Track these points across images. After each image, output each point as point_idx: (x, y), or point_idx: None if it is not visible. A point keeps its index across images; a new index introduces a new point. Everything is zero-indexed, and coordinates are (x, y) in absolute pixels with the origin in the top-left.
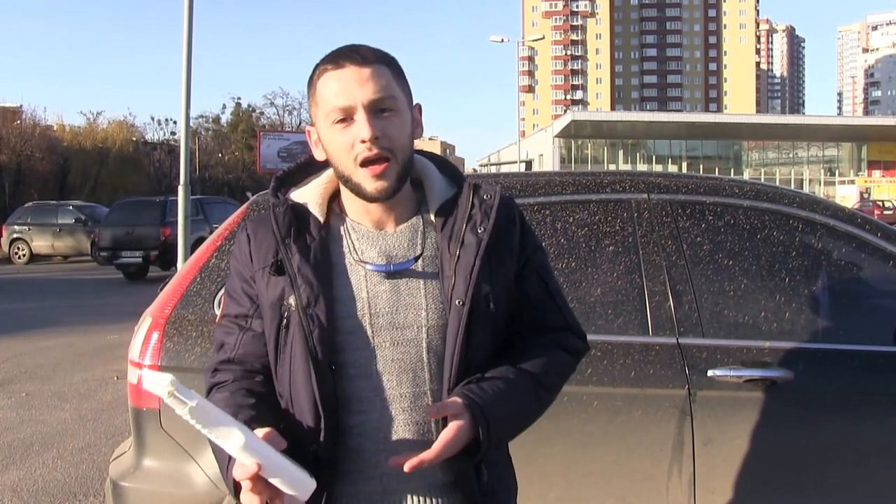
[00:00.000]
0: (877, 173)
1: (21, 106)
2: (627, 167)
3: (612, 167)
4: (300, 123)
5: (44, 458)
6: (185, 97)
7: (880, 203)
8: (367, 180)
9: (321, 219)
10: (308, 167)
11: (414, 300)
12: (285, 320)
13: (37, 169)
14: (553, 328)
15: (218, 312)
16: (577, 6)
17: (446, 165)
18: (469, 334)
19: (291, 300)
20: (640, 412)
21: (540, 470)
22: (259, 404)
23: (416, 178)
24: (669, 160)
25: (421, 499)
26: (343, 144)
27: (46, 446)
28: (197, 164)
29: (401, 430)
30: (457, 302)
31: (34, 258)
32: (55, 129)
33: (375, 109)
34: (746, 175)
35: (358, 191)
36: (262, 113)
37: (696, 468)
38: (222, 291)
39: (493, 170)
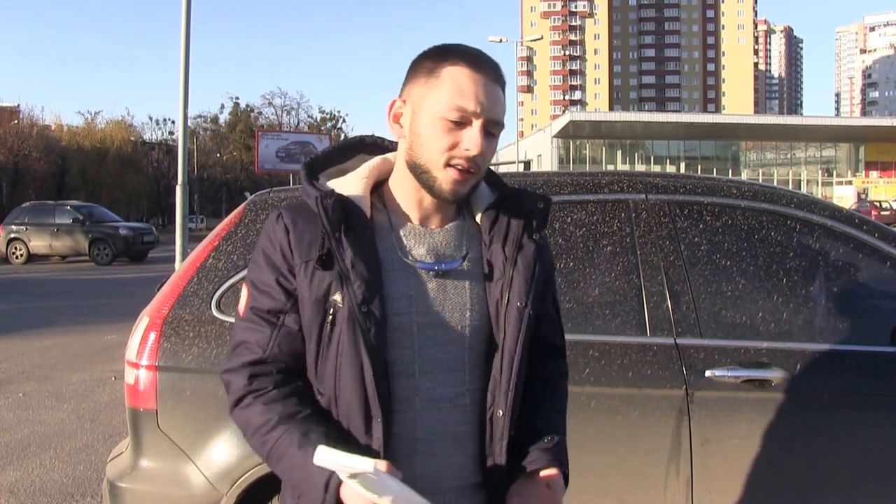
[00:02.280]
0: (874, 174)
1: (18, 105)
2: (626, 167)
3: (611, 167)
4: (298, 123)
5: (41, 459)
6: (183, 97)
7: (877, 203)
8: (449, 181)
9: (367, 213)
10: (333, 156)
11: (460, 300)
12: (330, 317)
13: (34, 169)
14: (558, 351)
15: (216, 313)
16: (576, 7)
17: (488, 172)
18: (527, 337)
19: (338, 296)
20: (638, 412)
21: None
22: (313, 414)
23: None
24: (667, 160)
25: (454, 500)
26: (444, 142)
27: (44, 447)
28: (195, 164)
29: (436, 431)
30: (518, 304)
31: (32, 258)
32: (53, 128)
33: (487, 129)
34: (744, 175)
35: (431, 185)
36: (260, 113)
37: (693, 468)
38: (222, 289)
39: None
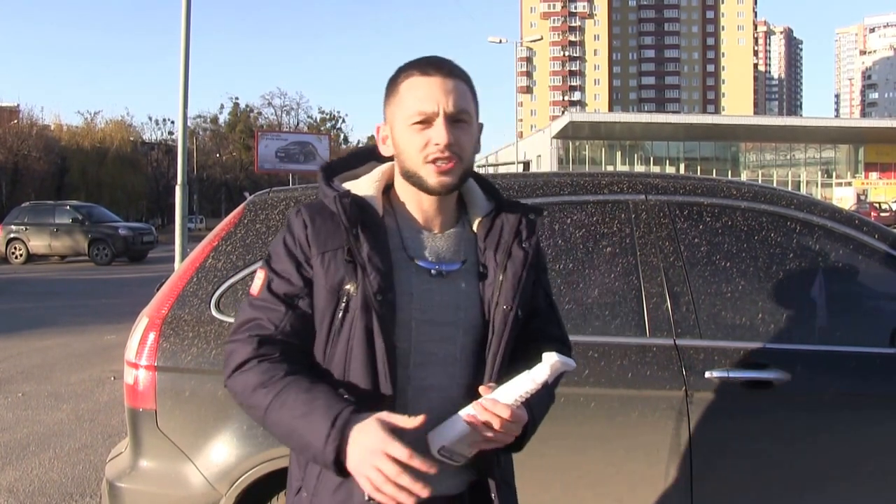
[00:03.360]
0: (873, 175)
1: (18, 105)
2: (625, 168)
3: (610, 168)
4: (298, 124)
5: (40, 459)
6: (182, 97)
7: (877, 205)
8: (433, 175)
9: (380, 212)
10: (348, 162)
11: (455, 301)
12: (343, 304)
13: (34, 168)
14: (552, 339)
15: (215, 313)
16: (576, 7)
17: (485, 183)
18: (510, 337)
19: (350, 286)
20: (638, 414)
21: (536, 472)
22: (324, 383)
23: (459, 192)
24: (667, 161)
25: (432, 478)
26: (418, 144)
27: (43, 446)
28: (195, 164)
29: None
30: (504, 307)
31: (31, 258)
32: (52, 128)
33: (453, 119)
34: (744, 177)
35: (421, 184)
36: (259, 113)
37: (693, 469)
38: (222, 289)
39: (492, 170)
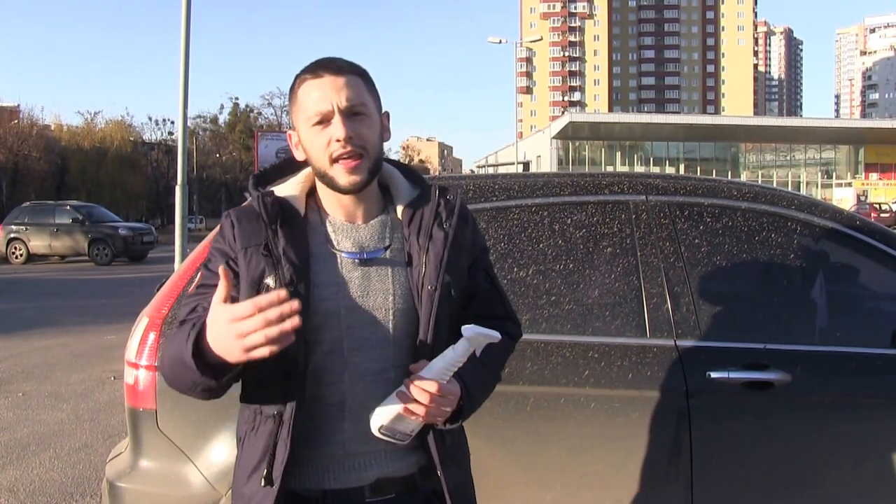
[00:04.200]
0: (874, 176)
1: (18, 105)
2: (625, 169)
3: (610, 169)
4: None
5: (40, 459)
6: (182, 97)
7: (877, 206)
8: (342, 174)
9: (302, 212)
10: (281, 169)
11: (383, 286)
12: None
13: (34, 168)
14: (497, 316)
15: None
16: (575, 7)
17: (409, 171)
18: (438, 316)
19: (270, 280)
20: (638, 414)
21: (536, 472)
22: None
23: (382, 182)
24: (667, 162)
25: (379, 460)
26: (321, 144)
27: (43, 446)
28: (195, 164)
29: (364, 399)
30: (429, 287)
31: (31, 258)
32: (52, 128)
33: (349, 113)
34: (743, 177)
35: (333, 184)
36: (259, 113)
37: (693, 470)
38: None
39: (491, 171)
